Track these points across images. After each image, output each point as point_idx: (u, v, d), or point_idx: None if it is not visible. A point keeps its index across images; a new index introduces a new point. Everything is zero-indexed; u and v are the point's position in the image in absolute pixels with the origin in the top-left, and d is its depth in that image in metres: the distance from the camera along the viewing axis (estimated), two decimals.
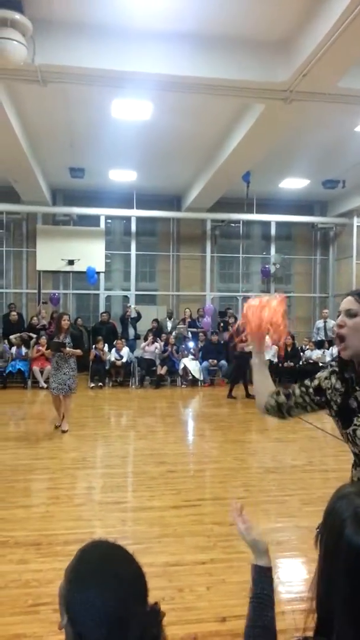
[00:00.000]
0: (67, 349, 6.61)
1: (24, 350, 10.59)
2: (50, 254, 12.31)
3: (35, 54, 5.69)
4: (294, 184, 11.86)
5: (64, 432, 6.60)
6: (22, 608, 2.72)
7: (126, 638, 0.89)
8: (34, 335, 10.86)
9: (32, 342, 10.72)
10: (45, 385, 10.27)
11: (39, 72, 5.94)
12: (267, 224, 13.89)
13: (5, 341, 10.75)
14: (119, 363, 10.72)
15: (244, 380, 9.60)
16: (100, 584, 0.95)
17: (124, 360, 10.80)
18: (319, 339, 12.04)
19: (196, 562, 3.30)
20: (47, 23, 5.71)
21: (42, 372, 10.34)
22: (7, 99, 7.02)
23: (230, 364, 10.13)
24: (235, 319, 12.00)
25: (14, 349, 10.57)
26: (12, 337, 10.75)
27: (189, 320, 12.13)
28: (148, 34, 5.85)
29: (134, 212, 12.70)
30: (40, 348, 10.25)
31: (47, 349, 7.29)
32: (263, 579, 1.20)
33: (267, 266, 13.55)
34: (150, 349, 10.78)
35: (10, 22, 5.25)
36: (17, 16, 5.27)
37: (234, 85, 6.28)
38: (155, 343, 10.87)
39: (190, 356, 11.05)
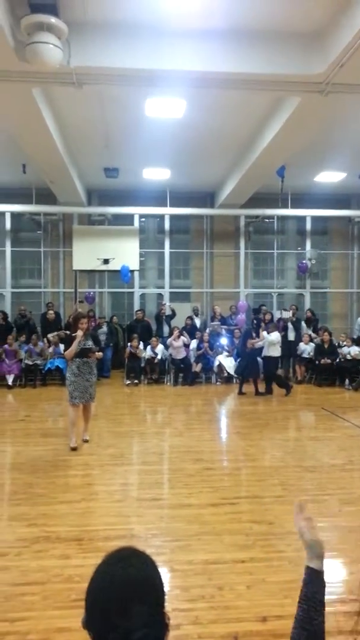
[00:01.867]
0: (96, 353, 6.19)
1: (61, 348, 10.78)
2: (86, 254, 12.48)
3: (71, 56, 5.75)
4: (330, 177, 11.63)
5: (86, 441, 6.10)
6: (65, 602, 2.78)
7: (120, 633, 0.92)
8: (69, 333, 11.02)
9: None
10: None
11: (75, 74, 6.01)
12: (302, 218, 13.68)
13: (45, 339, 10.98)
14: (154, 361, 10.80)
15: (254, 377, 9.61)
16: (99, 580, 1.01)
17: (159, 357, 10.86)
18: None
19: (235, 560, 3.30)
20: (81, 25, 5.77)
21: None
22: (44, 102, 7.13)
23: (241, 360, 10.10)
24: (271, 315, 11.88)
25: (51, 347, 10.78)
26: (49, 335, 10.97)
27: (219, 317, 12.09)
28: (181, 31, 5.83)
29: (168, 210, 12.72)
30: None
31: (64, 350, 6.29)
32: (315, 581, 1.18)
33: (303, 261, 13.34)
34: (178, 343, 10.76)
35: (46, 26, 5.34)
36: (53, 20, 5.35)
37: (268, 79, 6.19)
38: (182, 337, 10.84)
39: (225, 353, 11.01)
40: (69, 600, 2.80)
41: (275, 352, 9.54)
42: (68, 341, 6.24)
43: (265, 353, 9.60)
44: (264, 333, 9.65)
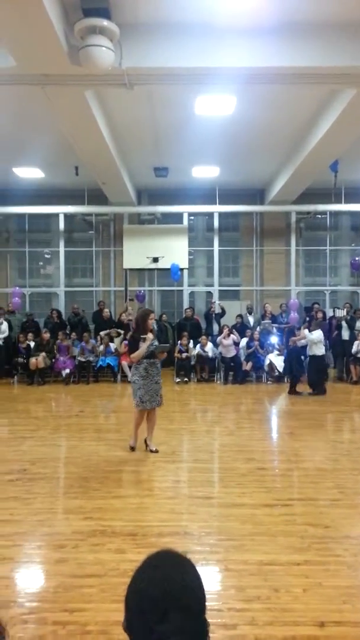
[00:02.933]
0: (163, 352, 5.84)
1: (112, 346, 10.98)
2: (136, 252, 12.65)
3: (122, 57, 5.82)
4: None
5: (154, 452, 5.58)
6: (121, 597, 2.77)
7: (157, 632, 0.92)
8: (122, 332, 11.22)
9: (120, 337, 11.10)
10: None
11: (126, 75, 6.08)
12: (356, 214, 13.27)
13: (98, 337, 11.22)
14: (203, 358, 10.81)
15: (298, 375, 9.45)
16: (140, 581, 1.01)
17: (209, 355, 10.84)
18: None
19: (291, 562, 3.24)
20: (132, 27, 5.83)
21: (129, 367, 10.64)
22: (96, 104, 7.27)
23: (286, 358, 9.91)
24: (324, 313, 11.61)
25: (103, 345, 11.00)
26: (101, 333, 11.19)
27: (269, 315, 11.92)
28: (231, 27, 5.78)
29: (217, 208, 12.68)
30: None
31: (130, 351, 5.67)
32: None
33: (357, 258, 12.94)
34: (228, 342, 10.69)
35: (98, 30, 5.43)
36: (105, 23, 5.43)
37: (322, 72, 6.04)
38: (232, 335, 10.76)
39: (276, 352, 10.86)
40: (124, 594, 2.84)
41: (319, 350, 9.33)
42: (134, 342, 5.56)
43: (309, 352, 9.42)
44: (305, 331, 9.45)
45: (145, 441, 5.68)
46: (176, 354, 10.84)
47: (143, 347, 5.41)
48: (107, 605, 2.75)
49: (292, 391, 9.35)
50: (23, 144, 9.47)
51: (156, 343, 5.61)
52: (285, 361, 10.05)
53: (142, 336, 5.46)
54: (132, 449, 5.62)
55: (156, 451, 5.55)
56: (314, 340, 9.25)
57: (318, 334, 9.31)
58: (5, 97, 7.32)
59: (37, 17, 4.81)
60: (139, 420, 5.60)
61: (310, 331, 9.36)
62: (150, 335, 5.49)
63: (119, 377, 10.84)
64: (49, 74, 5.92)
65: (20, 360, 10.69)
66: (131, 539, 3.51)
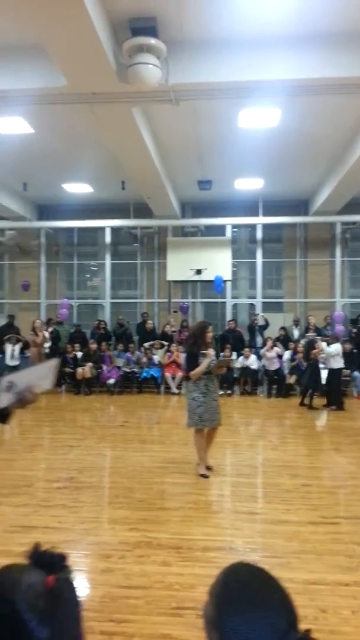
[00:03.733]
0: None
1: (155, 358, 11.07)
2: (180, 265, 12.75)
3: (169, 74, 5.96)
4: None
5: (209, 469, 5.33)
6: (167, 609, 2.82)
7: None
8: (166, 343, 11.31)
9: (164, 349, 11.18)
10: (177, 391, 10.64)
11: (172, 91, 6.21)
12: None
13: (142, 348, 11.35)
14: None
15: (313, 388, 9.30)
16: (249, 611, 0.94)
17: (253, 368, 10.75)
18: None
19: (339, 582, 3.15)
20: (178, 43, 5.96)
21: (173, 379, 10.72)
22: (142, 120, 7.43)
23: (305, 370, 9.70)
24: None
25: (146, 357, 11.11)
26: (145, 344, 11.32)
27: (313, 328, 11.69)
28: (275, 40, 5.82)
29: (260, 220, 12.64)
30: (172, 355, 10.67)
31: (188, 368, 5.22)
32: None
33: None
34: (271, 354, 10.57)
35: (146, 48, 5.58)
36: (153, 41, 5.58)
37: None
38: (276, 348, 10.62)
39: (321, 365, 10.62)
40: (170, 607, 2.84)
41: (337, 364, 9.11)
42: (193, 358, 5.21)
43: (327, 365, 9.22)
44: (323, 344, 9.24)
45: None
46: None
47: (204, 364, 5.11)
48: (154, 617, 2.75)
49: (302, 403, 9.19)
50: (73, 161, 9.80)
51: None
52: (303, 374, 9.88)
53: (202, 352, 5.16)
54: (204, 476, 5.14)
55: (207, 467, 5.29)
56: (332, 353, 9.07)
57: (336, 347, 9.12)
58: (56, 117, 7.61)
59: (88, 38, 5.01)
60: (201, 442, 5.24)
61: (328, 344, 9.17)
62: (211, 352, 5.23)
63: (162, 388, 10.90)
64: (98, 92, 6.12)
65: (68, 370, 10.94)
66: (176, 552, 3.50)
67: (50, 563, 1.16)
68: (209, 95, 6.46)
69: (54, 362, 2.09)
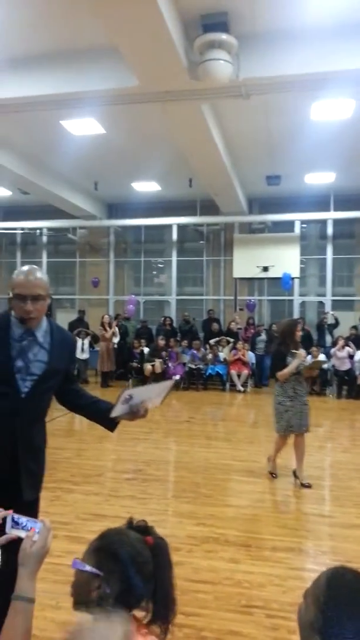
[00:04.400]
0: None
1: (221, 355, 11.04)
2: (246, 262, 12.63)
3: (240, 69, 5.89)
4: None
5: (306, 486, 4.81)
6: (236, 607, 2.81)
7: None
8: (231, 340, 11.26)
9: (229, 346, 11.14)
10: (242, 389, 10.57)
11: (243, 86, 6.13)
12: None
13: (207, 345, 11.37)
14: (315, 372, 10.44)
15: None
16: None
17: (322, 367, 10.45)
18: None
19: None
20: (249, 37, 5.86)
21: (239, 376, 10.65)
22: (211, 117, 7.41)
23: None
24: None
25: (212, 353, 11.11)
26: (211, 341, 11.32)
27: None
28: (348, 29, 5.57)
29: (331, 215, 12.24)
30: (238, 353, 10.62)
31: (274, 368, 4.99)
32: None
33: None
34: (342, 354, 10.20)
35: (217, 44, 5.54)
36: (224, 36, 5.53)
37: None
38: (347, 347, 10.23)
39: None
40: (239, 605, 2.82)
41: None
42: (280, 357, 4.87)
43: None
44: None
45: (295, 473, 4.97)
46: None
47: (293, 364, 4.76)
48: (223, 613, 2.74)
49: None
50: (141, 160, 9.95)
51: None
52: None
53: (292, 351, 4.81)
54: (273, 475, 5.06)
55: (309, 485, 4.79)
56: None
57: None
58: (126, 117, 7.75)
59: (161, 38, 5.05)
60: (281, 445, 5.02)
61: None
62: (302, 352, 4.93)
63: (227, 385, 10.86)
64: (170, 91, 6.16)
65: (135, 364, 11.16)
66: (245, 549, 3.48)
67: (145, 529, 1.36)
68: (280, 88, 6.33)
69: (170, 383, 2.19)
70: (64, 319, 12.08)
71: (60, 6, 5.32)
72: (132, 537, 1.30)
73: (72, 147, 9.06)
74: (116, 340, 11.49)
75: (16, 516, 1.43)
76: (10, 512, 1.46)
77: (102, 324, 11.46)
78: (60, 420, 7.73)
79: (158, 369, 10.74)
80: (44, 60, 6.29)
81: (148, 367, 10.83)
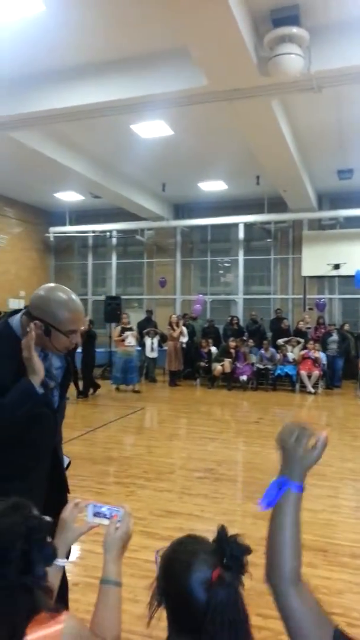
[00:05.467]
0: None
1: (290, 356, 10.82)
2: (316, 259, 12.30)
3: (311, 62, 5.75)
4: None
5: None
6: None
7: None
8: (301, 340, 11.01)
9: (299, 346, 10.90)
10: (312, 391, 10.31)
11: (314, 79, 5.98)
12: None
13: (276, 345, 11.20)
14: None
15: None
16: None
17: None
18: None
19: None
20: (321, 29, 5.70)
21: (309, 377, 10.40)
22: (280, 112, 7.28)
23: None
24: None
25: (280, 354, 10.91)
26: (280, 341, 11.12)
27: None
28: None
29: None
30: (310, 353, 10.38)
31: None
32: None
33: None
34: None
35: (288, 38, 5.45)
36: (295, 30, 5.43)
37: None
38: None
39: None
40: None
41: None
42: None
43: None
44: None
45: None
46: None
47: None
48: None
49: None
50: (208, 160, 9.97)
51: None
52: None
53: None
54: None
55: None
56: None
57: None
58: (194, 117, 7.79)
59: (231, 36, 5.04)
60: None
61: None
62: None
63: (297, 386, 10.63)
64: (239, 88, 6.12)
65: (203, 364, 11.20)
66: (322, 554, 3.38)
67: (227, 552, 1.14)
68: (354, 80, 6.10)
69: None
70: (132, 318, 12.33)
71: (129, 14, 5.44)
72: (198, 566, 1.10)
73: (141, 150, 9.24)
74: (184, 339, 11.56)
75: (97, 504, 1.47)
76: (91, 500, 1.50)
77: (170, 324, 11.59)
78: (130, 418, 7.92)
79: (228, 369, 10.71)
80: (114, 66, 6.46)
81: (218, 367, 10.82)
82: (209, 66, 5.75)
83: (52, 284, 1.87)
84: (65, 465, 2.13)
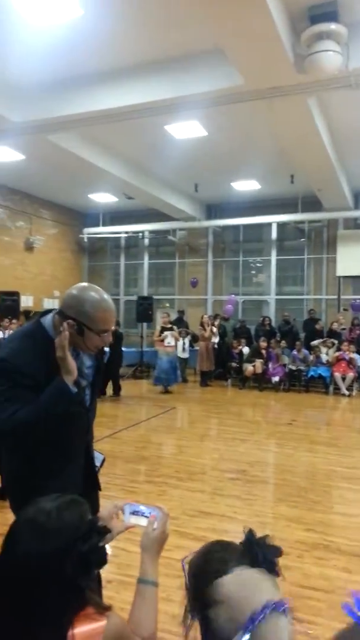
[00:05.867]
0: None
1: (323, 357, 10.66)
2: (351, 259, 12.07)
3: (349, 58, 5.64)
4: None
5: None
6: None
7: None
8: (335, 342, 10.83)
9: (334, 348, 10.72)
10: (347, 393, 10.13)
11: (353, 76, 5.87)
12: None
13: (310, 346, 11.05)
14: None
15: None
16: None
17: None
18: None
19: None
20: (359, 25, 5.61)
21: (343, 379, 10.22)
22: (317, 110, 7.18)
23: None
24: None
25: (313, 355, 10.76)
26: (313, 342, 10.97)
27: None
28: None
29: None
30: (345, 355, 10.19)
31: None
32: None
33: None
34: None
35: (325, 35, 5.36)
36: (333, 26, 5.34)
37: None
38: None
39: None
40: None
41: None
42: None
43: None
44: None
45: None
46: None
47: None
48: (338, 624, 2.61)
49: None
50: (242, 159, 9.91)
51: None
52: None
53: None
54: None
55: None
56: None
57: None
58: (228, 117, 7.75)
59: (268, 35, 5.00)
60: None
61: None
62: None
63: (331, 388, 10.46)
64: (275, 87, 6.07)
65: (234, 365, 11.15)
66: (358, 559, 3.32)
67: (259, 555, 1.08)
68: None
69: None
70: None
71: (164, 15, 5.46)
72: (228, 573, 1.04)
73: (174, 151, 9.26)
74: (216, 340, 11.53)
75: (135, 505, 1.48)
76: (129, 501, 1.52)
77: (202, 324, 11.57)
78: (161, 417, 7.95)
79: (259, 369, 10.63)
80: (150, 67, 6.49)
81: (249, 367, 10.75)
82: (245, 65, 5.71)
83: (84, 284, 1.88)
84: (99, 463, 2.17)
